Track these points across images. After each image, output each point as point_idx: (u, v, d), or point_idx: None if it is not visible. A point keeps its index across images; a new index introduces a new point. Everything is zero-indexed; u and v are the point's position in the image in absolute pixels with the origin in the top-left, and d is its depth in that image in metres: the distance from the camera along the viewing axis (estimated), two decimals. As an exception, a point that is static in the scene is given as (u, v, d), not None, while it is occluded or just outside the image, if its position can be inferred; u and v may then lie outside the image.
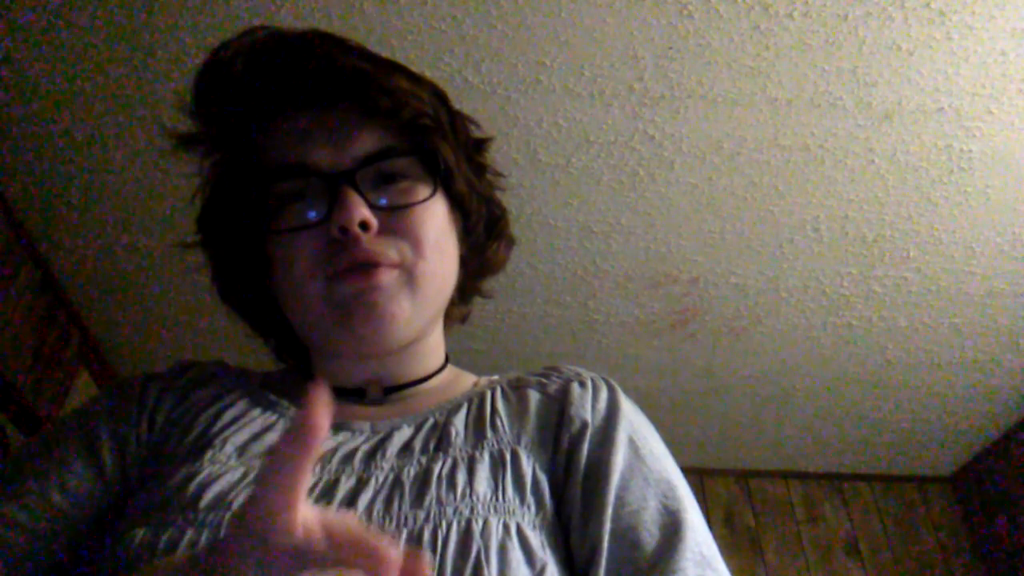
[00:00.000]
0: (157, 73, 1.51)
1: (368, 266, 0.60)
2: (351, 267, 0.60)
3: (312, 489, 0.55)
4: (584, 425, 0.61)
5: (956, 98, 1.53)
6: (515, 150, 1.64)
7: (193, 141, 0.67)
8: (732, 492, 2.56)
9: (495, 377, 0.71)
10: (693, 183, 1.71)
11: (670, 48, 1.46)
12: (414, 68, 0.69)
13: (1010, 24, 1.41)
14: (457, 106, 0.71)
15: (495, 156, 0.76)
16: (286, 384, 0.70)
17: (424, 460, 0.58)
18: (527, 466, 0.58)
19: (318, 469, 0.57)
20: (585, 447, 0.59)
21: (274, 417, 0.63)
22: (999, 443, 2.44)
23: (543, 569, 0.51)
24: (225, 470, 0.56)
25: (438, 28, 1.44)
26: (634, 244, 1.85)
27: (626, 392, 0.68)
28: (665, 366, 2.20)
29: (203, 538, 0.50)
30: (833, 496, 2.57)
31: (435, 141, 0.65)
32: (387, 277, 0.60)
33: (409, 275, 0.62)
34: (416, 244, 0.62)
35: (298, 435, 0.35)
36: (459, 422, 0.62)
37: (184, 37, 1.45)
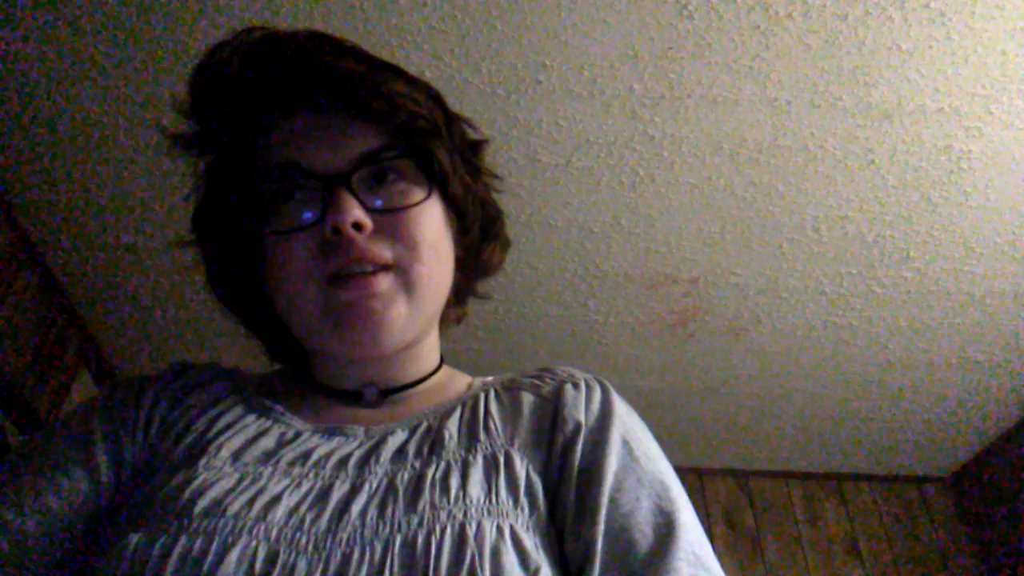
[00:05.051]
0: (157, 73, 1.51)
1: (364, 272, 0.60)
2: (347, 273, 0.60)
3: (306, 495, 0.55)
4: (578, 426, 0.61)
5: (956, 98, 1.53)
6: (515, 150, 1.64)
7: (188, 141, 0.67)
8: (732, 492, 2.55)
9: (489, 379, 0.71)
10: (693, 183, 1.71)
11: (670, 48, 1.46)
12: (414, 68, 0.69)
13: (1010, 24, 1.41)
14: (457, 106, 0.71)
15: (495, 157, 0.76)
16: (281, 388, 0.70)
17: (418, 464, 0.58)
18: (520, 468, 0.58)
19: (312, 475, 0.57)
20: (579, 448, 0.59)
21: (268, 423, 0.63)
22: (999, 443, 2.43)
23: (537, 571, 0.51)
24: (219, 477, 0.56)
25: (438, 28, 1.44)
26: (634, 244, 1.85)
27: (626, 392, 0.68)
28: (665, 366, 2.20)
29: (197, 545, 0.50)
30: (833, 496, 2.57)
31: (430, 143, 0.65)
32: (384, 283, 0.61)
33: (406, 278, 0.62)
34: (412, 246, 0.62)
35: None
36: (452, 425, 0.62)
37: (184, 37, 1.45)
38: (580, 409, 0.62)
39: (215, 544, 0.50)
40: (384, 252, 0.61)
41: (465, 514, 0.52)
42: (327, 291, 0.60)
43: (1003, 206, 1.74)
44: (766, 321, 2.04)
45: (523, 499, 0.56)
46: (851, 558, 2.43)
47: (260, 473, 0.57)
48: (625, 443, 0.60)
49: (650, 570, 0.52)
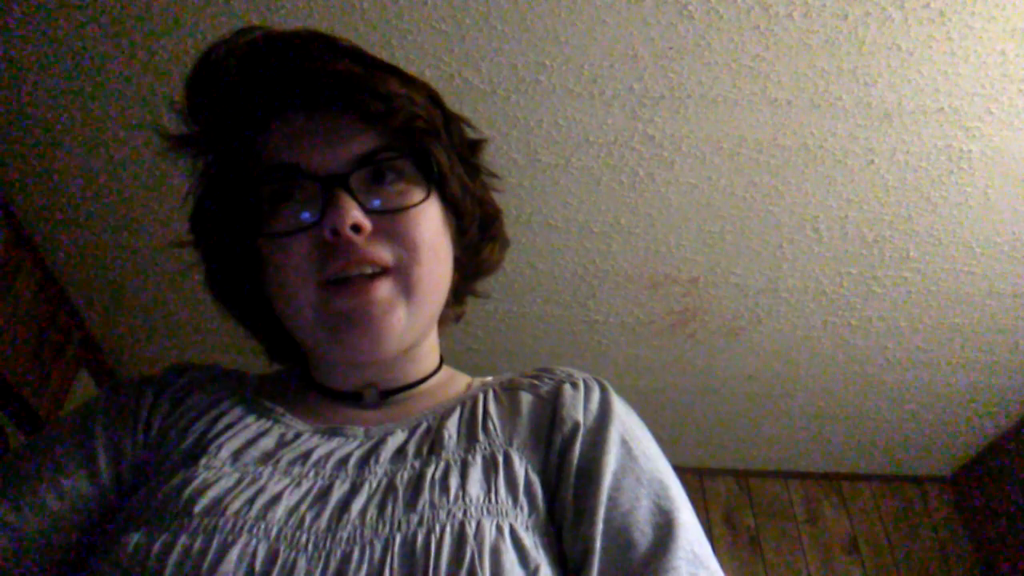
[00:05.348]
0: (157, 73, 1.51)
1: (363, 274, 0.60)
2: (346, 277, 0.60)
3: (306, 495, 0.55)
4: (576, 426, 0.61)
5: (956, 98, 1.53)
6: (515, 150, 1.64)
7: (186, 142, 0.67)
8: (732, 492, 2.56)
9: (488, 379, 0.71)
10: (693, 183, 1.71)
11: (670, 48, 1.46)
12: (414, 68, 0.69)
13: (1010, 24, 1.41)
14: (457, 106, 0.71)
15: (495, 156, 0.76)
16: (281, 388, 0.70)
17: (417, 464, 0.58)
18: (519, 468, 0.58)
19: (312, 475, 0.57)
20: (577, 448, 0.59)
21: (268, 423, 0.63)
22: (999, 443, 2.43)
23: (536, 570, 0.51)
24: (219, 476, 0.56)
25: (438, 28, 1.44)
26: (634, 244, 1.85)
27: (626, 392, 0.68)
28: (665, 366, 2.20)
29: (197, 544, 0.50)
30: (833, 496, 2.57)
31: (429, 144, 0.65)
32: (383, 289, 0.60)
33: (405, 280, 0.62)
34: (411, 247, 0.62)
35: None
36: (452, 426, 0.62)
37: (184, 37, 1.45)
38: (579, 409, 0.62)
39: (215, 543, 0.50)
40: (383, 253, 0.61)
41: (465, 513, 0.52)
42: (325, 296, 0.60)
43: (1003, 206, 1.74)
44: (766, 321, 2.04)
45: (522, 498, 0.56)
46: (851, 558, 2.43)
47: (260, 473, 0.57)
48: (623, 442, 0.60)
49: (649, 568, 0.52)
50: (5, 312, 1.74)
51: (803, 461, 2.57)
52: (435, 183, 0.65)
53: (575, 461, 0.59)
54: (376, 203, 0.62)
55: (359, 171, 0.61)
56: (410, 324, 0.63)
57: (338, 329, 0.60)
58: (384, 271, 0.61)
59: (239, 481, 0.56)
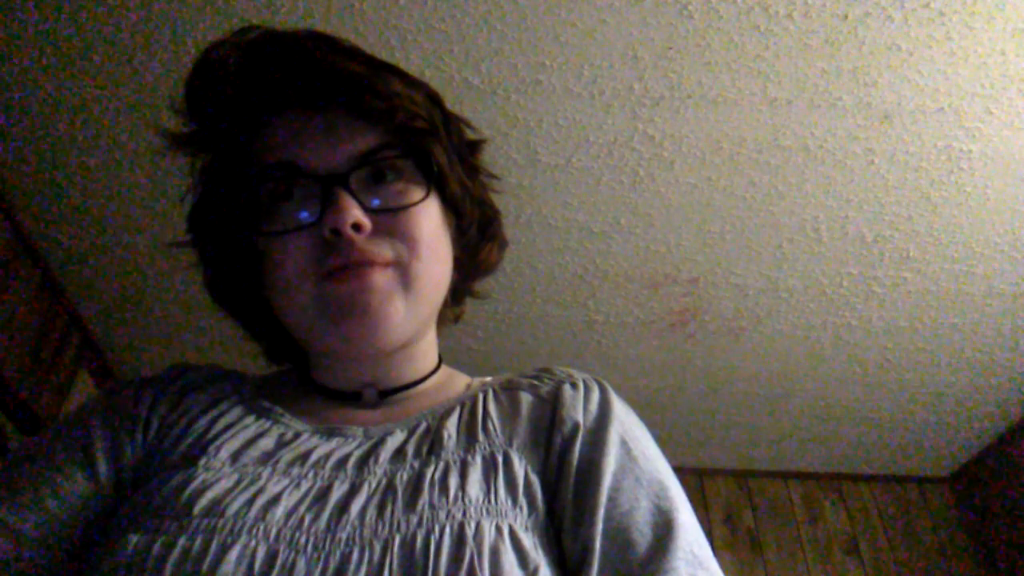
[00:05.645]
0: (157, 73, 1.51)
1: (361, 266, 0.59)
2: (343, 266, 0.59)
3: (305, 495, 0.55)
4: (576, 426, 0.61)
5: (956, 98, 1.53)
6: (515, 150, 1.64)
7: (185, 140, 0.67)
8: (732, 492, 2.56)
9: (487, 379, 0.71)
10: (693, 183, 1.71)
11: (670, 48, 1.46)
12: (414, 68, 0.69)
13: (1010, 24, 1.41)
14: (457, 106, 0.71)
15: (495, 156, 0.76)
16: (280, 389, 0.70)
17: (417, 465, 0.58)
18: (519, 468, 0.58)
19: (311, 475, 0.57)
20: (577, 448, 0.59)
21: (268, 424, 0.63)
22: (999, 443, 2.43)
23: (536, 570, 0.51)
24: (219, 477, 0.56)
25: (438, 28, 1.44)
26: (634, 244, 1.85)
27: (626, 392, 0.68)
28: (665, 366, 2.20)
29: (196, 544, 0.50)
30: (833, 496, 2.57)
31: (429, 143, 0.65)
32: (381, 278, 0.60)
33: (404, 274, 0.62)
34: (411, 244, 0.62)
35: None
36: (451, 426, 0.62)
37: (184, 37, 1.45)
38: (578, 409, 0.62)
39: (214, 544, 0.50)
40: (384, 251, 0.61)
41: (464, 514, 0.52)
42: (323, 285, 0.60)
43: (1003, 206, 1.74)
44: (766, 321, 2.04)
45: (522, 499, 0.56)
46: (851, 558, 2.43)
47: (259, 473, 0.57)
48: (623, 443, 0.60)
49: (648, 569, 0.52)
50: (5, 312, 1.74)
51: (803, 461, 2.57)
52: (435, 182, 0.65)
53: (575, 462, 0.59)
54: (376, 202, 0.62)
55: (359, 170, 0.61)
56: (408, 317, 0.62)
57: (336, 317, 0.60)
58: (384, 264, 0.61)
59: (238, 482, 0.56)
